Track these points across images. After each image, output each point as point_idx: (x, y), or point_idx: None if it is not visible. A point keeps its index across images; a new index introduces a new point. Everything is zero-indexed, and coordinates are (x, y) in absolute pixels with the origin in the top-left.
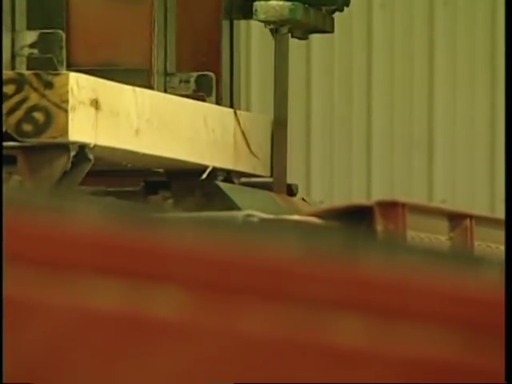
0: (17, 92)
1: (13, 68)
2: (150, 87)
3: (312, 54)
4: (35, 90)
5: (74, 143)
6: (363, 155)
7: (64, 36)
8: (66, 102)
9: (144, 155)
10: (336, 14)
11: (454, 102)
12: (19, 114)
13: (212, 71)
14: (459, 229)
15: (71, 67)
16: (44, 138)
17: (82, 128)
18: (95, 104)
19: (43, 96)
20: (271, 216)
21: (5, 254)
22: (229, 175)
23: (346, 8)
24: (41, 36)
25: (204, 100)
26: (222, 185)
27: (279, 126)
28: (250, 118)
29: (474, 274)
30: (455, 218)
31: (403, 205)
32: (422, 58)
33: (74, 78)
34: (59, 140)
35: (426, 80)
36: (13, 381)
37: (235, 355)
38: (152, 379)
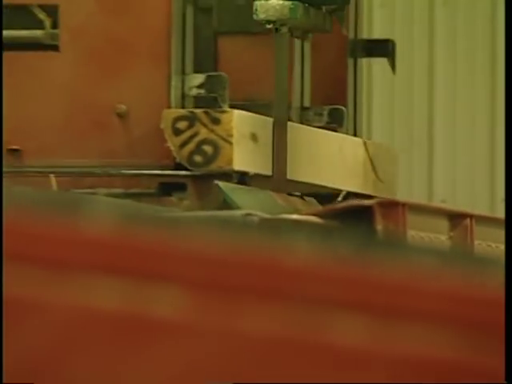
0: (189, 127)
1: (183, 106)
2: (289, 120)
3: None
4: (205, 125)
5: (237, 172)
6: None
7: (227, 78)
8: (231, 135)
9: (289, 181)
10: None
11: (453, 101)
12: (191, 146)
13: (338, 104)
14: (459, 228)
15: None
16: (212, 168)
17: (243, 158)
18: (253, 137)
19: (212, 131)
20: (271, 215)
21: (5, 253)
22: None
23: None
24: (207, 78)
25: (336, 131)
26: (221, 184)
27: (279, 126)
28: (377, 147)
29: (475, 274)
30: (455, 218)
31: (403, 204)
32: (422, 58)
33: (237, 114)
34: (225, 169)
35: (426, 80)
36: (13, 380)
37: (236, 354)
38: (153, 378)
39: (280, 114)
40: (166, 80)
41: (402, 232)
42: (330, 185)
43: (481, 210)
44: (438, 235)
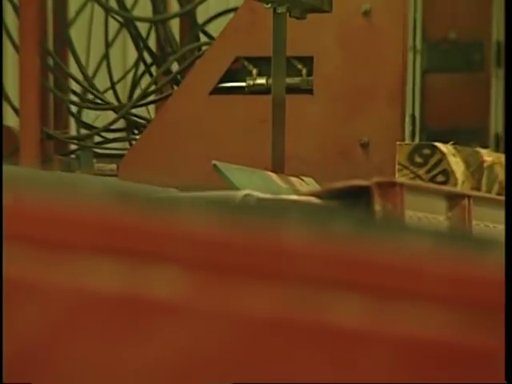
0: None
1: (413, 140)
2: (486, 147)
3: None
4: None
5: None
6: None
7: None
8: None
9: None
10: None
11: None
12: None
13: None
14: (457, 208)
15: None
16: None
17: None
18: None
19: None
20: (270, 196)
21: (4, 234)
22: None
23: None
24: None
25: None
26: (219, 164)
27: (277, 105)
28: None
29: (474, 254)
30: (453, 198)
31: (401, 185)
32: None
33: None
34: None
35: None
36: (11, 366)
37: (235, 336)
38: (152, 360)
39: (277, 93)
40: (400, 118)
41: (400, 212)
42: None
43: None
44: (436, 215)
